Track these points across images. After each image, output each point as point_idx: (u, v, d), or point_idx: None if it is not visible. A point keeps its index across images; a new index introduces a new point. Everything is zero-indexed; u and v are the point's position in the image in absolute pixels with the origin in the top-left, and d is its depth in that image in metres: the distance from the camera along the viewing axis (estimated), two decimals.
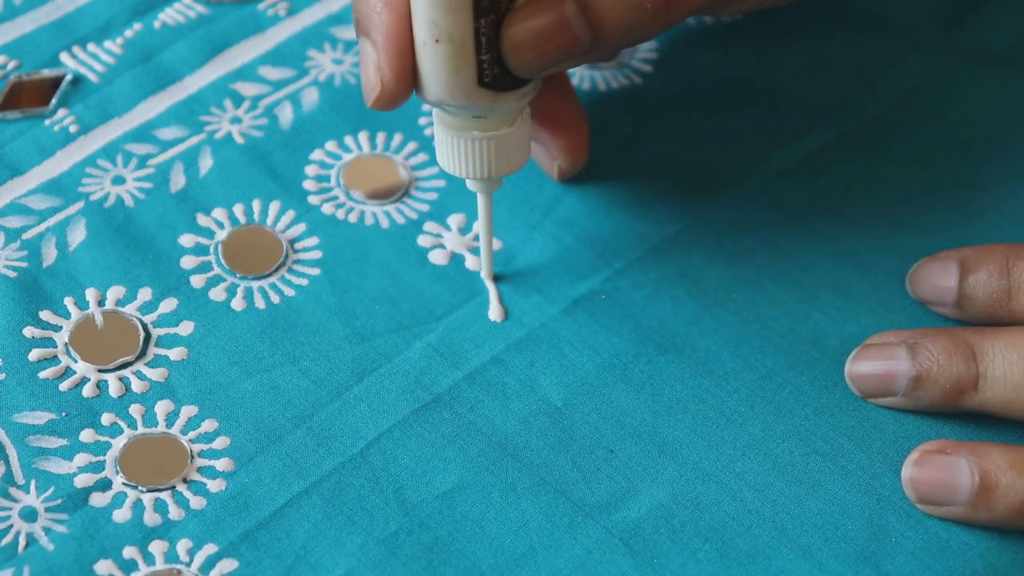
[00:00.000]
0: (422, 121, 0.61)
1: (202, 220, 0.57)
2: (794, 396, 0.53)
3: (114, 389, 0.52)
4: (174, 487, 0.50)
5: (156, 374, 0.53)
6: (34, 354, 0.53)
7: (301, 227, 0.57)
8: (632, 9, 0.50)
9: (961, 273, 0.53)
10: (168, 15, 0.63)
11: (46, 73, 0.61)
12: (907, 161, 0.59)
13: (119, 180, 0.58)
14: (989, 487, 0.49)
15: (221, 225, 0.57)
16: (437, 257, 0.57)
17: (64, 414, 0.52)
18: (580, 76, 0.62)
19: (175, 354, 0.54)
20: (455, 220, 0.58)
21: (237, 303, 0.55)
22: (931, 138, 0.60)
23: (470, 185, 0.53)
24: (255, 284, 0.56)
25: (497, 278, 0.56)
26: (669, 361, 0.54)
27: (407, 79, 0.49)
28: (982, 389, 0.51)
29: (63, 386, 0.52)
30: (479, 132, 0.51)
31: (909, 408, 0.52)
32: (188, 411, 0.52)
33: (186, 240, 0.57)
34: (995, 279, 0.52)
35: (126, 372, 0.53)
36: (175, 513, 0.50)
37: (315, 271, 0.56)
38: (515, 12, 0.48)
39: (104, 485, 0.50)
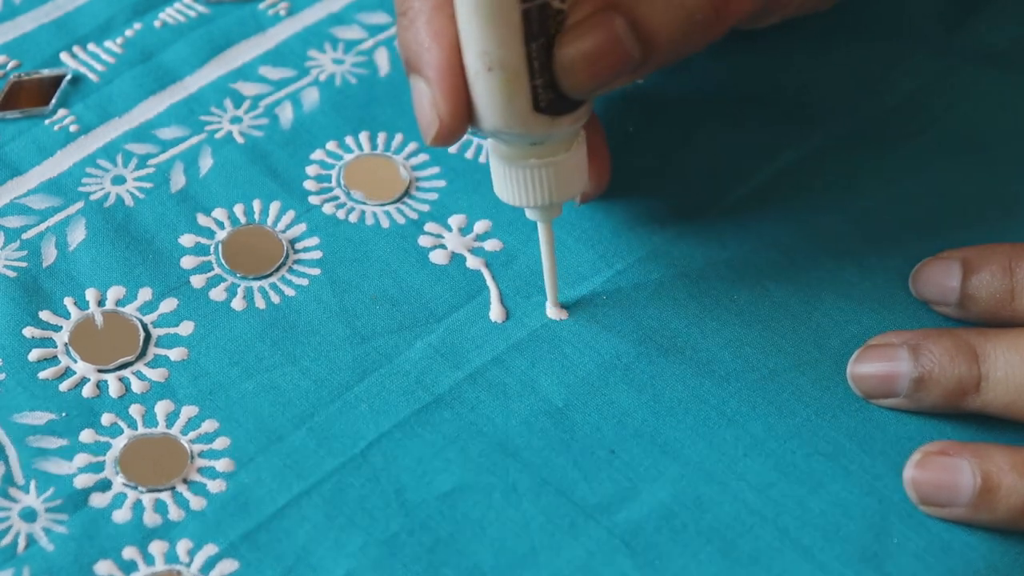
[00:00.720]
0: None
1: (202, 220, 0.57)
2: (796, 396, 0.53)
3: (114, 389, 0.52)
4: (174, 487, 0.50)
5: (156, 374, 0.53)
6: (34, 354, 0.53)
7: (301, 227, 0.57)
8: (682, 22, 0.49)
9: (964, 273, 0.53)
10: (168, 14, 0.63)
11: (46, 73, 0.61)
12: (909, 161, 0.59)
13: (119, 180, 0.58)
14: (991, 488, 0.49)
15: (221, 225, 0.57)
16: (438, 257, 0.56)
17: (64, 414, 0.52)
18: None
19: (175, 354, 0.53)
20: (456, 220, 0.58)
21: (237, 303, 0.55)
22: (934, 139, 0.60)
23: (529, 214, 0.53)
24: (255, 284, 0.55)
25: (564, 306, 0.55)
26: (670, 362, 0.54)
27: (464, 112, 0.49)
28: (984, 391, 0.51)
29: (63, 386, 0.52)
30: (536, 160, 0.50)
31: (911, 409, 0.52)
32: (188, 411, 0.52)
33: (186, 240, 0.56)
34: (998, 279, 0.52)
35: (126, 372, 0.53)
36: (175, 514, 0.49)
37: (315, 271, 0.56)
38: (565, 33, 0.48)
39: (104, 485, 0.50)
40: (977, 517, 0.49)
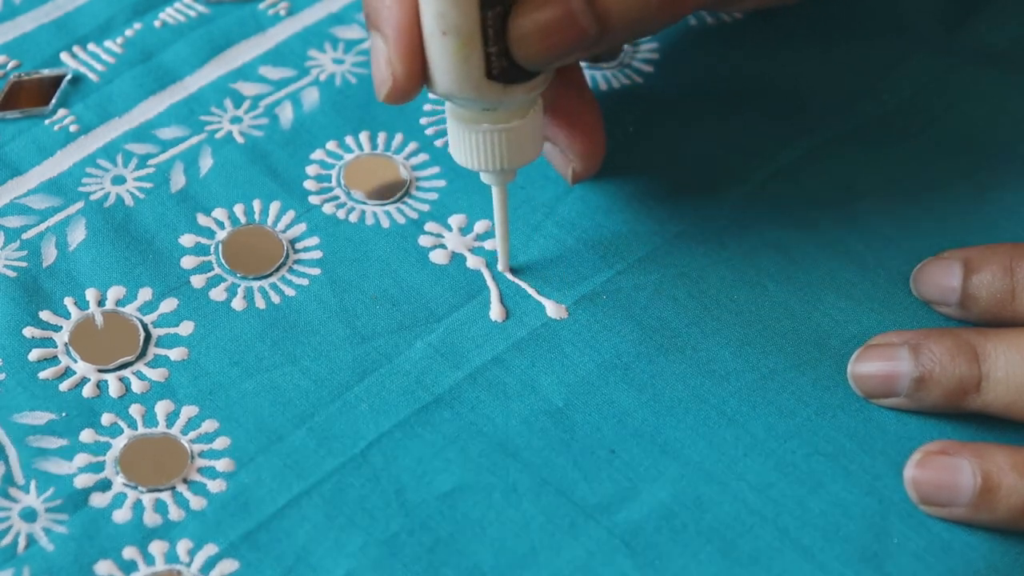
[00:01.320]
0: (423, 121, 0.61)
1: (202, 220, 0.57)
2: (796, 396, 0.53)
3: (114, 389, 0.52)
4: (174, 487, 0.50)
5: (156, 374, 0.53)
6: (34, 354, 0.53)
7: (302, 227, 0.57)
8: (639, 2, 0.50)
9: (965, 273, 0.53)
10: (168, 14, 0.63)
11: (46, 73, 0.61)
12: (910, 161, 0.59)
13: (119, 180, 0.58)
14: (991, 488, 0.49)
15: (221, 225, 0.57)
16: (438, 257, 0.56)
17: (64, 414, 0.52)
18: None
19: (175, 354, 0.53)
20: (456, 220, 0.58)
21: (238, 303, 0.55)
22: (934, 139, 0.60)
23: (484, 178, 0.53)
24: (255, 284, 0.55)
25: (514, 270, 0.56)
26: (670, 361, 0.54)
27: (418, 73, 0.49)
28: (985, 391, 0.50)
29: (63, 386, 0.52)
30: (490, 124, 0.51)
31: (911, 409, 0.52)
32: (188, 411, 0.52)
33: (186, 240, 0.56)
34: (999, 279, 0.52)
35: (126, 372, 0.53)
36: (175, 513, 0.49)
37: (316, 271, 0.56)
38: (522, 4, 0.48)
39: (104, 485, 0.50)
40: (977, 517, 0.49)
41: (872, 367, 0.52)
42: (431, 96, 0.58)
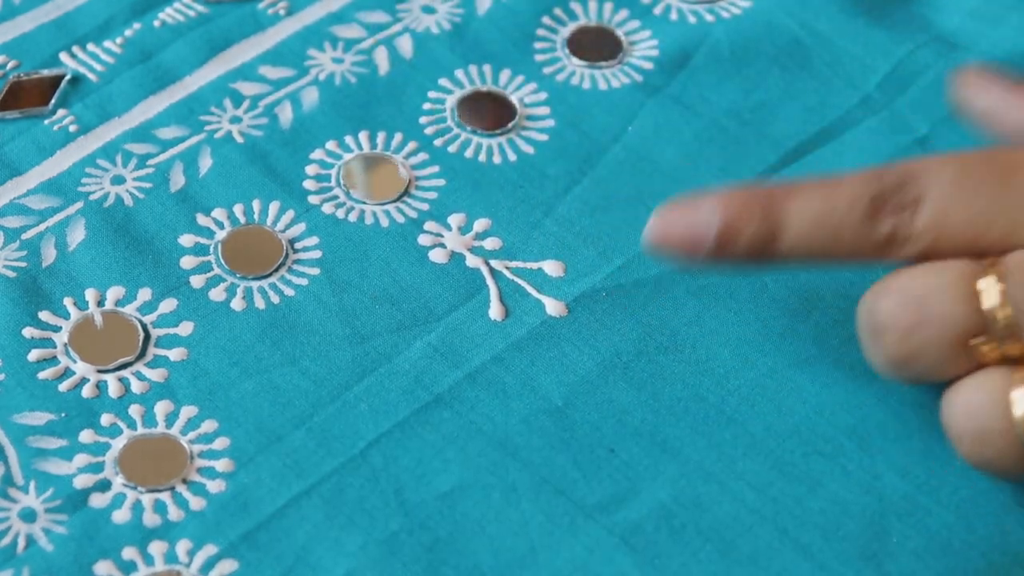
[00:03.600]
0: (422, 120, 0.61)
1: (202, 220, 0.57)
2: (795, 395, 0.53)
3: (113, 390, 0.52)
4: (174, 488, 0.50)
5: (156, 374, 0.53)
6: (33, 354, 0.53)
7: (301, 227, 0.57)
8: None
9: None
10: (168, 14, 0.63)
11: (45, 73, 0.61)
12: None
13: (119, 180, 0.58)
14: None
15: (221, 225, 0.57)
16: (437, 256, 0.56)
17: (63, 415, 0.52)
18: (580, 75, 0.62)
19: (175, 354, 0.53)
20: (455, 219, 0.58)
21: (237, 303, 0.55)
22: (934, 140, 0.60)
23: None
24: (255, 284, 0.55)
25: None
26: (670, 360, 0.54)
27: None
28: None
29: (62, 387, 0.52)
30: None
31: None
32: (188, 411, 0.52)
33: (186, 240, 0.56)
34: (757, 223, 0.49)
35: (126, 372, 0.53)
36: (175, 514, 0.49)
37: (315, 271, 0.56)
38: None
39: (103, 486, 0.50)
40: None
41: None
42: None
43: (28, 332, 0.53)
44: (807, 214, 0.49)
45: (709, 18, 0.64)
